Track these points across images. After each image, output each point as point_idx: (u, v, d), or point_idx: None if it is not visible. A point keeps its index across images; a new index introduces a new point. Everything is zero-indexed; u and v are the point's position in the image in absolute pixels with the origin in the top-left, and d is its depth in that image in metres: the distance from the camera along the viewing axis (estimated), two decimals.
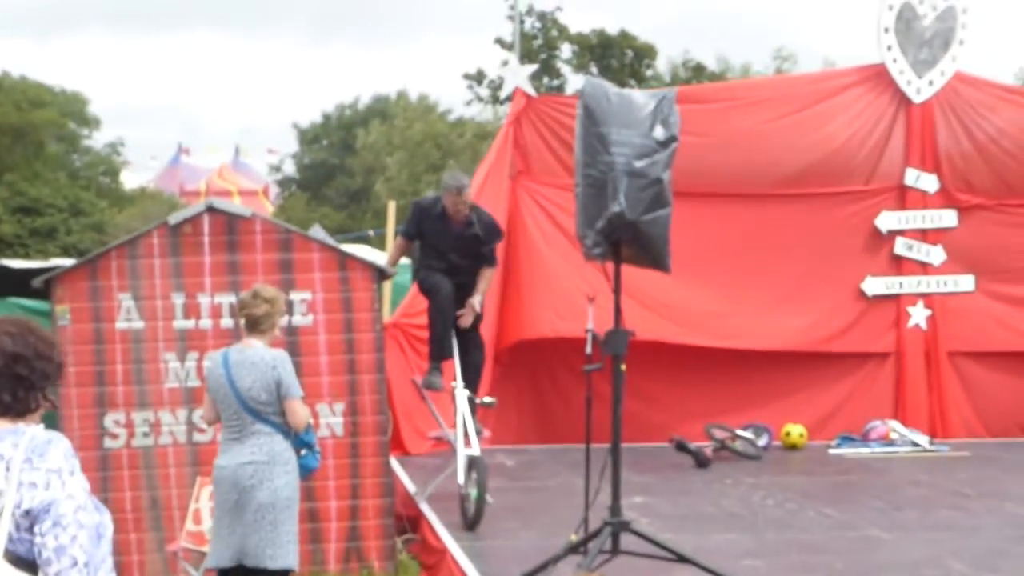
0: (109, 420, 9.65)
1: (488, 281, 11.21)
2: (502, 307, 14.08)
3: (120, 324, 9.71)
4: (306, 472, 7.66)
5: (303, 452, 7.57)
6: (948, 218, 15.15)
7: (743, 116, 14.88)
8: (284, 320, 8.07)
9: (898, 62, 14.93)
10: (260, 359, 7.38)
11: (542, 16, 54.38)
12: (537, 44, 53.99)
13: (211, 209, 9.95)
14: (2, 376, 3.68)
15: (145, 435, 9.70)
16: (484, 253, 11.03)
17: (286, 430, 7.46)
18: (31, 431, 3.63)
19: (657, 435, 13.80)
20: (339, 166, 61.05)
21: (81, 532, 3.55)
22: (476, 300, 10.88)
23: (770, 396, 14.62)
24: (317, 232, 10.68)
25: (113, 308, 9.71)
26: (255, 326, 7.52)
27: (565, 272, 14.15)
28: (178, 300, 9.80)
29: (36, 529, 3.52)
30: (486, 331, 12.12)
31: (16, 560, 3.50)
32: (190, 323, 9.81)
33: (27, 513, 3.52)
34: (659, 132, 7.80)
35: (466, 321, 10.84)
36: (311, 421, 7.83)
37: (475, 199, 11.50)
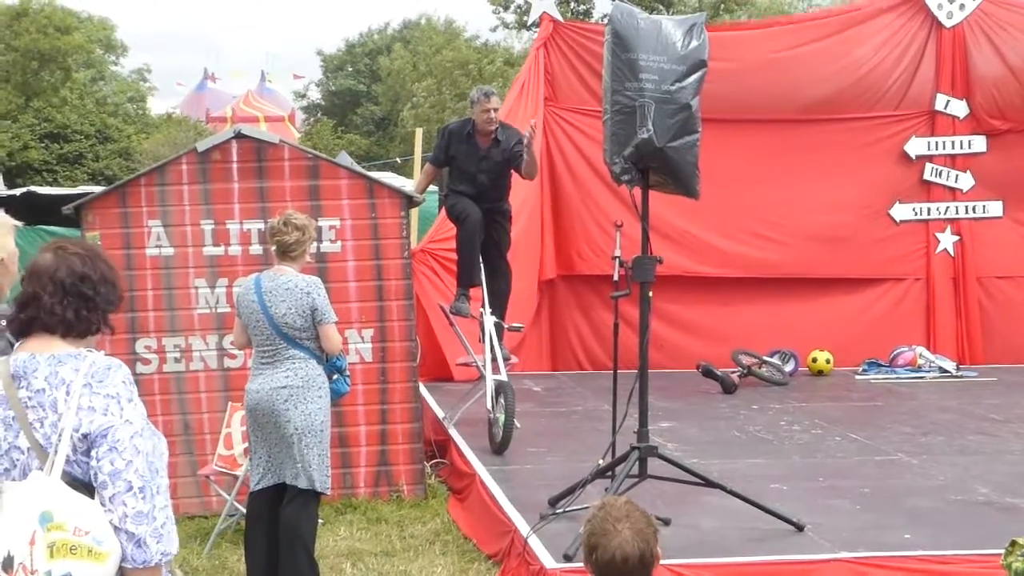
0: (140, 345, 9.74)
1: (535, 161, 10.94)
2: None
3: (150, 250, 9.78)
4: (337, 396, 7.71)
5: (335, 377, 7.62)
6: (977, 143, 15.06)
7: (770, 41, 14.79)
8: (313, 247, 8.09)
9: None
10: (294, 285, 7.41)
11: None
12: None
13: (239, 136, 9.97)
14: (69, 294, 3.71)
15: (176, 360, 9.80)
16: (518, 165, 10.84)
17: (319, 355, 7.50)
18: (92, 356, 3.66)
19: (684, 361, 13.85)
20: (365, 93, 60.93)
21: (137, 457, 3.58)
22: (529, 132, 10.61)
23: (797, 322, 14.64)
24: (344, 159, 10.72)
25: (143, 234, 9.77)
26: (286, 253, 7.54)
27: (588, 201, 14.24)
28: (207, 226, 9.85)
29: (93, 453, 3.55)
30: (529, 260, 12.10)
31: (72, 482, 3.54)
32: (219, 249, 9.87)
33: (85, 437, 3.55)
34: (688, 58, 7.76)
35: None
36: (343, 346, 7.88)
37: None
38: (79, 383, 3.60)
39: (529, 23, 42.80)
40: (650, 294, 7.86)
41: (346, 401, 8.76)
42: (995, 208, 15.14)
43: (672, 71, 7.67)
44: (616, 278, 8.22)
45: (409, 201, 10.26)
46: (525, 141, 10.62)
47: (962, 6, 14.80)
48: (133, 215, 9.76)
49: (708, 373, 13.21)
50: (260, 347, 7.53)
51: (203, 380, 9.83)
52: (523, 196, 13.01)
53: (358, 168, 10.75)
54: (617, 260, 8.21)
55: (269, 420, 7.40)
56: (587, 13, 49.23)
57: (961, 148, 15.05)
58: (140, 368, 9.67)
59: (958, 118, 14.99)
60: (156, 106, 57.38)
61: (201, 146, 10.01)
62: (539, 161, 11.45)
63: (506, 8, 52.10)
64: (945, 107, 14.94)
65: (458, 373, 12.74)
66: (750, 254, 14.69)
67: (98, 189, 10.79)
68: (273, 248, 7.64)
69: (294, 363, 7.41)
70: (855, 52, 14.71)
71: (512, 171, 11.00)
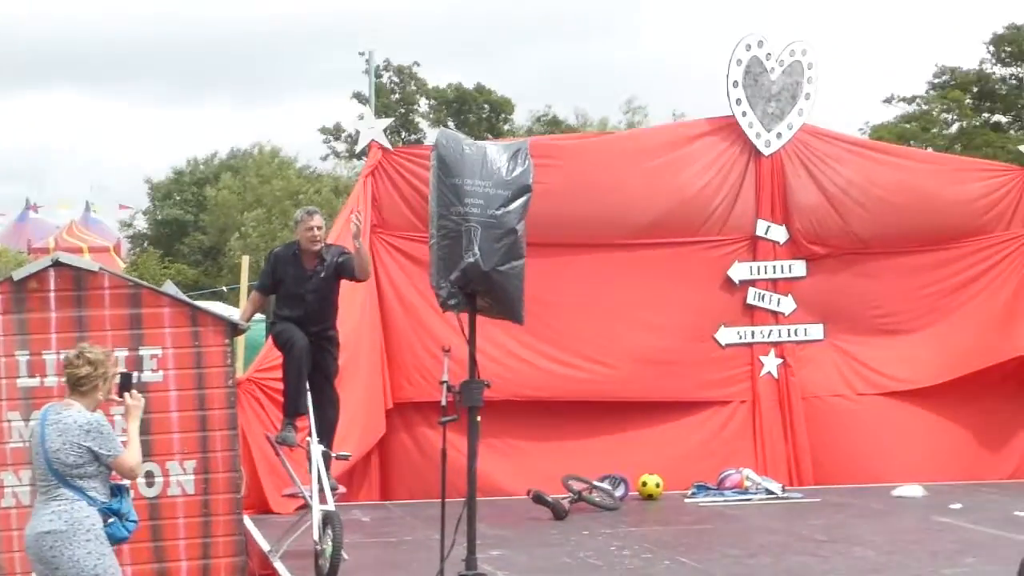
0: None
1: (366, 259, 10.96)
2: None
3: None
4: (115, 542, 7.23)
5: (110, 520, 7.09)
6: (797, 268, 15.44)
7: (596, 166, 15.00)
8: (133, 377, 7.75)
9: (747, 115, 15.22)
10: (73, 422, 7.02)
11: (400, 71, 54.72)
12: (395, 98, 54.30)
13: (57, 264, 9.70)
14: None
15: None
16: (348, 270, 10.83)
17: (92, 496, 7.08)
18: None
19: (515, 487, 13.77)
20: (192, 222, 60.36)
21: None
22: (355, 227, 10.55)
23: (627, 446, 14.69)
24: (169, 289, 10.48)
25: None
26: (75, 387, 7.19)
27: (418, 327, 14.18)
28: (22, 357, 9.51)
29: None
30: (372, 386, 11.95)
31: None
32: (35, 381, 9.52)
33: None
34: (513, 183, 7.83)
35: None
36: (128, 484, 7.44)
37: None
38: None
39: (357, 151, 43.10)
40: (478, 419, 7.81)
41: (166, 535, 8.46)
42: (816, 331, 15.47)
43: (497, 196, 7.74)
44: (444, 403, 8.16)
45: (234, 329, 10.08)
46: (353, 238, 10.59)
47: (779, 135, 15.26)
48: None
49: (539, 499, 13.14)
50: (38, 482, 7.15)
51: (15, 517, 9.39)
52: (354, 323, 12.98)
53: (182, 296, 10.53)
54: (445, 385, 8.17)
55: (40, 568, 7.04)
56: (418, 142, 49.78)
57: (782, 273, 15.41)
58: None
59: (778, 243, 15.36)
60: None
61: (17, 275, 9.71)
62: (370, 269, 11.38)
63: (336, 137, 52.39)
64: (766, 232, 15.30)
65: (284, 505, 12.48)
66: (579, 377, 14.72)
67: None
68: (64, 380, 7.33)
69: (60, 504, 6.97)
70: (678, 177, 15.01)
71: (337, 292, 10.93)
